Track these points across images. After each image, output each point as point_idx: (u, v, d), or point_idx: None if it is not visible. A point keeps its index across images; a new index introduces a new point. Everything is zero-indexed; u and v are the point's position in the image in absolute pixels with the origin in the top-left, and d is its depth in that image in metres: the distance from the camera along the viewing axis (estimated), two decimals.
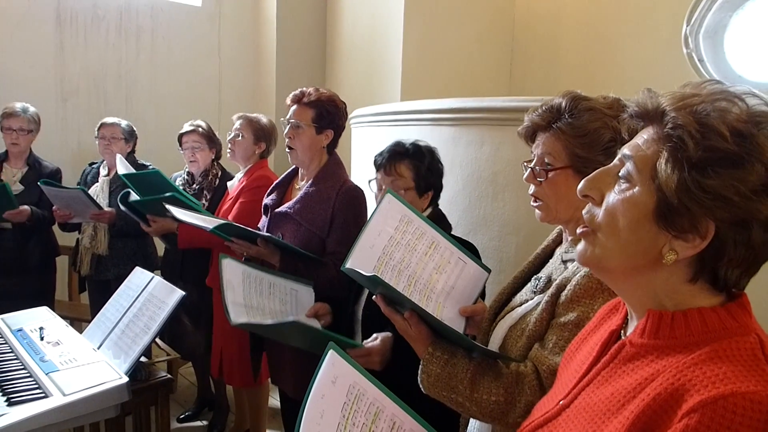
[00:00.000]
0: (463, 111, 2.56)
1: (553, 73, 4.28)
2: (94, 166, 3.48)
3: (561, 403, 0.86)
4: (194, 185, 3.19)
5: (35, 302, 2.78)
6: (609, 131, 1.19)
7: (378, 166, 1.91)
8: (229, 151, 2.99)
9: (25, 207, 3.17)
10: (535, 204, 1.28)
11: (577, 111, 1.21)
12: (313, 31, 4.84)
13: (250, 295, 1.89)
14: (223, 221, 2.21)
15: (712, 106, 0.72)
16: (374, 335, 1.68)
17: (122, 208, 2.72)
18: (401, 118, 2.89)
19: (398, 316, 1.27)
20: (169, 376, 2.11)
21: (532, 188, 1.28)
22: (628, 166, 0.77)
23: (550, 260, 1.34)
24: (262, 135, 2.97)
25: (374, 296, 1.33)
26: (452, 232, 1.80)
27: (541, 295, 1.24)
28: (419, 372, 1.23)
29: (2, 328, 2.31)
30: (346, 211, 2.16)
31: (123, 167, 2.87)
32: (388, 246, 1.37)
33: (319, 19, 4.85)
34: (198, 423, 3.41)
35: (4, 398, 1.76)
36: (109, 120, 3.38)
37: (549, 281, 1.27)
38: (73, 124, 4.19)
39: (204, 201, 3.11)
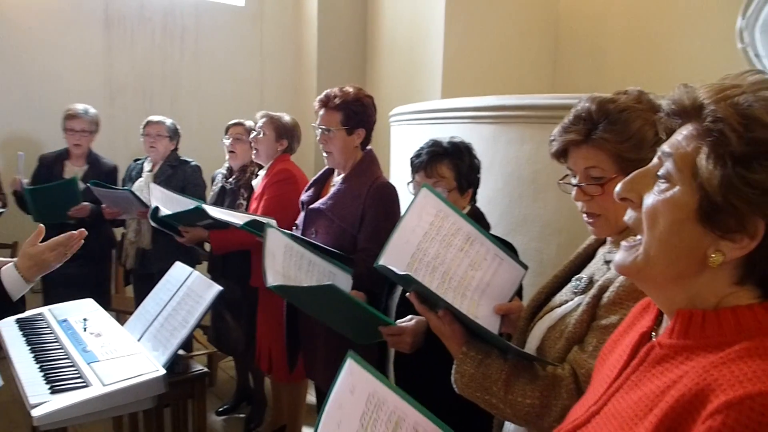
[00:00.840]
0: (503, 108, 2.51)
1: (599, 69, 4.18)
2: (139, 162, 3.56)
3: (591, 409, 0.82)
4: (231, 179, 3.23)
5: (93, 291, 2.95)
6: (650, 126, 1.14)
7: (416, 167, 1.85)
8: (254, 150, 3.02)
9: (86, 204, 3.30)
10: (590, 220, 1.21)
11: (612, 114, 1.16)
12: (354, 29, 4.85)
13: (289, 267, 1.89)
14: (252, 217, 2.23)
15: (755, 97, 0.67)
16: (410, 316, 1.64)
17: (153, 224, 2.78)
18: (440, 116, 2.86)
19: (432, 314, 1.25)
20: (205, 369, 2.13)
21: (581, 205, 1.22)
22: (668, 164, 0.72)
23: (592, 260, 1.30)
24: (284, 132, 2.99)
25: (408, 293, 1.30)
26: (491, 233, 1.76)
27: (582, 296, 1.20)
28: (452, 371, 1.21)
29: (49, 319, 2.38)
30: (376, 208, 2.15)
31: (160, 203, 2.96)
32: (423, 242, 1.34)
33: (359, 17, 4.85)
34: (236, 416, 3.45)
35: (48, 386, 1.81)
36: (154, 118, 3.46)
37: (590, 282, 1.22)
38: (120, 123, 4.30)
39: (242, 200, 3.14)
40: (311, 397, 3.26)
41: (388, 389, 1.10)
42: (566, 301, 1.25)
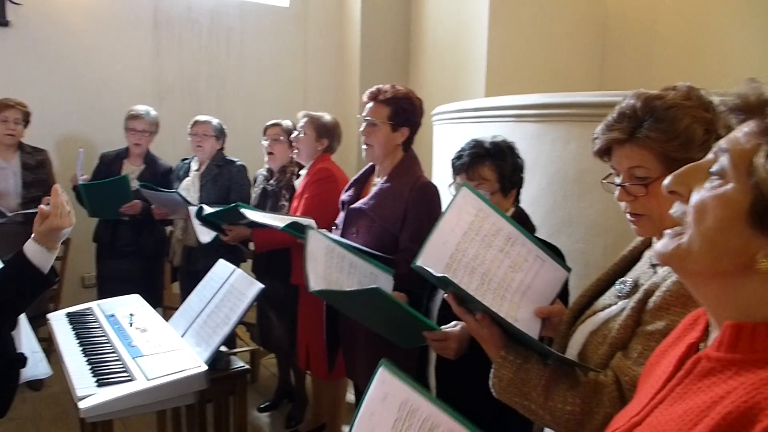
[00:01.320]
0: (548, 107, 2.46)
1: (648, 65, 4.05)
2: (186, 161, 3.64)
3: (633, 419, 0.78)
4: (272, 180, 3.26)
5: (145, 287, 3.07)
6: (700, 124, 1.08)
7: (458, 169, 1.81)
8: (295, 150, 3.04)
9: (137, 201, 3.40)
10: (633, 219, 1.17)
11: (658, 112, 1.10)
12: (397, 29, 4.84)
13: (330, 270, 1.88)
14: (292, 219, 2.24)
15: None
16: (455, 322, 1.60)
17: (198, 222, 2.83)
18: (484, 115, 2.82)
19: (470, 317, 1.22)
20: (247, 366, 2.15)
21: (624, 205, 1.17)
22: (723, 160, 0.68)
23: (638, 263, 1.25)
24: (324, 132, 2.99)
25: (445, 295, 1.28)
26: (536, 235, 1.72)
27: (626, 300, 1.16)
28: (491, 376, 1.18)
29: (97, 313, 2.45)
30: (418, 208, 2.13)
31: (206, 235, 3.05)
32: (462, 242, 1.31)
33: (402, 17, 4.84)
34: (277, 413, 3.48)
35: (95, 379, 1.86)
36: (201, 118, 3.52)
37: (636, 286, 1.18)
38: (168, 123, 4.39)
39: (284, 201, 3.17)
40: (351, 396, 3.27)
41: (422, 396, 1.09)
42: (610, 305, 1.20)
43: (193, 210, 3.09)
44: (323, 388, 3.12)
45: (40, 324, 2.94)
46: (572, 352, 1.24)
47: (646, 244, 1.26)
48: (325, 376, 2.93)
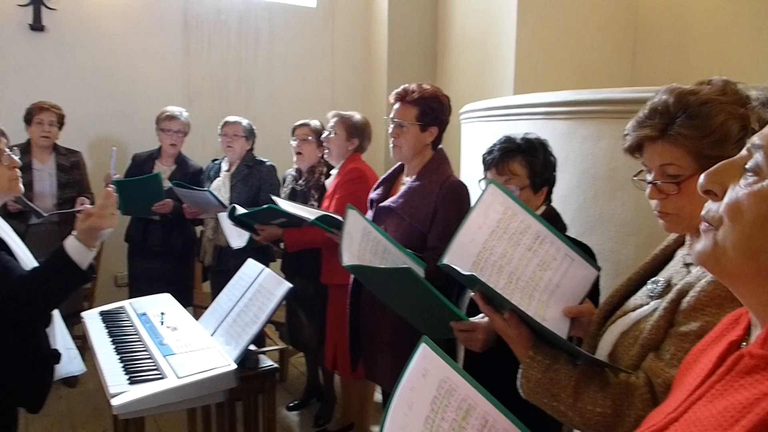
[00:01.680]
0: (578, 104, 2.43)
1: (682, 60, 3.96)
2: (216, 162, 3.68)
3: (670, 416, 0.76)
4: (301, 181, 3.28)
5: (176, 287, 3.09)
6: (735, 121, 1.05)
7: (488, 164, 1.79)
8: (326, 150, 3.04)
9: (169, 200, 3.45)
10: (660, 215, 1.14)
11: (692, 108, 1.07)
12: (424, 27, 4.82)
13: (365, 250, 1.88)
14: (323, 213, 2.25)
15: None
16: (482, 314, 1.58)
17: (231, 222, 2.86)
18: (513, 113, 2.80)
19: (497, 316, 1.21)
20: (275, 365, 2.16)
21: (654, 203, 1.14)
22: (757, 156, 0.66)
23: (670, 263, 1.22)
24: (354, 131, 2.99)
25: (472, 293, 1.27)
26: (565, 233, 1.69)
27: (659, 301, 1.13)
28: (518, 376, 1.17)
29: (129, 312, 2.49)
30: (447, 206, 2.12)
31: (237, 239, 3.10)
32: (489, 240, 1.30)
33: (430, 15, 4.83)
34: (306, 412, 3.50)
35: (127, 377, 1.89)
36: (231, 119, 3.56)
37: (668, 286, 1.15)
38: (198, 124, 4.45)
39: (312, 201, 3.18)
40: (380, 396, 3.27)
41: (461, 377, 1.08)
42: (641, 305, 1.17)
43: (223, 215, 3.13)
44: (351, 387, 3.12)
45: (74, 322, 3.01)
46: (602, 352, 1.22)
47: (679, 243, 1.23)
48: (353, 376, 2.94)
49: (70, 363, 1.91)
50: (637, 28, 4.29)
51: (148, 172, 3.64)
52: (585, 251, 1.41)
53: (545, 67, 3.97)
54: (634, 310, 1.18)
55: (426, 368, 1.11)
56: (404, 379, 1.11)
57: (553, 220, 1.71)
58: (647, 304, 1.16)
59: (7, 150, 1.71)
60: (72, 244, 1.66)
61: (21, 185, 1.77)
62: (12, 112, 3.53)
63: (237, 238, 3.14)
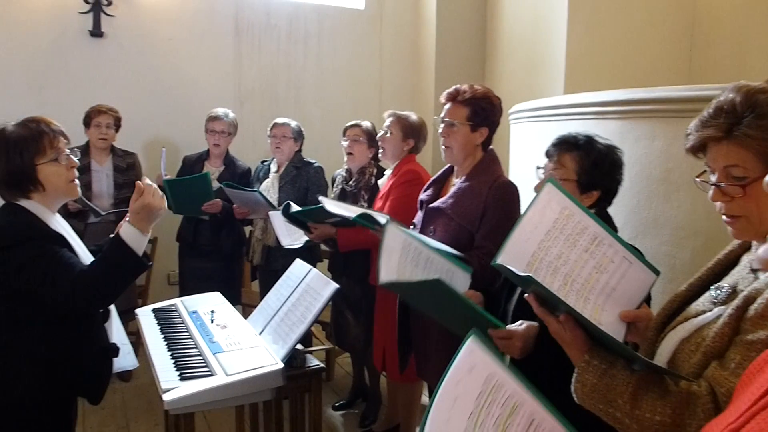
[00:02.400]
0: (632, 103, 2.36)
1: (742, 56, 3.80)
2: (266, 163, 3.74)
3: (730, 426, 0.73)
4: (351, 182, 3.29)
5: (226, 285, 3.14)
6: None
7: (546, 152, 1.82)
8: (380, 150, 3.04)
9: (218, 200, 3.52)
10: (729, 221, 1.09)
11: (761, 107, 1.01)
12: (473, 27, 4.79)
13: (405, 264, 1.87)
14: (364, 210, 2.27)
15: None
16: (520, 321, 1.58)
17: (285, 219, 2.88)
18: (563, 113, 2.74)
19: (552, 318, 1.18)
20: (322, 365, 2.17)
21: (719, 205, 1.10)
22: None
23: (735, 268, 1.16)
24: (410, 132, 2.98)
25: (526, 294, 1.24)
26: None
27: (723, 307, 1.08)
28: (573, 380, 1.13)
29: (181, 310, 2.55)
30: (497, 206, 2.10)
31: (287, 238, 3.15)
32: (545, 240, 1.27)
33: (478, 15, 4.79)
34: (352, 412, 3.51)
35: (178, 373, 1.93)
36: (280, 120, 3.61)
37: (733, 292, 1.10)
38: (248, 126, 4.54)
39: (362, 202, 3.19)
40: (426, 398, 3.25)
41: (508, 374, 1.06)
42: (703, 312, 1.13)
43: (274, 213, 3.17)
44: (398, 389, 3.11)
45: (129, 318, 3.11)
46: (661, 359, 1.17)
47: (744, 248, 1.18)
48: (401, 378, 2.93)
49: (124, 358, 1.97)
50: (695, 22, 4.14)
51: (197, 172, 3.72)
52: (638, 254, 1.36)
53: (597, 66, 3.88)
54: (696, 316, 1.13)
55: (473, 363, 1.09)
56: (450, 373, 1.09)
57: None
58: (710, 310, 1.11)
59: (66, 150, 1.77)
60: (127, 230, 1.71)
61: (78, 189, 1.83)
62: (72, 115, 3.66)
63: (287, 236, 3.16)
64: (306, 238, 3.03)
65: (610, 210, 1.85)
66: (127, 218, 1.74)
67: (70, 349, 1.77)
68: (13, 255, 1.65)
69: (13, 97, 4.03)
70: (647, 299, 1.36)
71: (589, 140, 1.75)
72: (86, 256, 1.87)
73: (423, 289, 1.64)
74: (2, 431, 1.75)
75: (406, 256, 1.88)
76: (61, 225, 1.84)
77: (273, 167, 3.63)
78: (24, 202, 1.74)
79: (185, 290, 3.62)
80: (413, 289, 1.70)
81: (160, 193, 1.76)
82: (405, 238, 1.91)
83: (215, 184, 3.62)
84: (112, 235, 1.77)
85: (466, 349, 1.11)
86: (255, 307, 2.50)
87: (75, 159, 1.81)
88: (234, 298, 3.47)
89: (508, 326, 1.57)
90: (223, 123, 3.73)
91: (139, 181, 1.73)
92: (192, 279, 3.72)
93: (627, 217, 2.29)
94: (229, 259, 3.83)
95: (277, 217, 3.20)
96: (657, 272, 1.33)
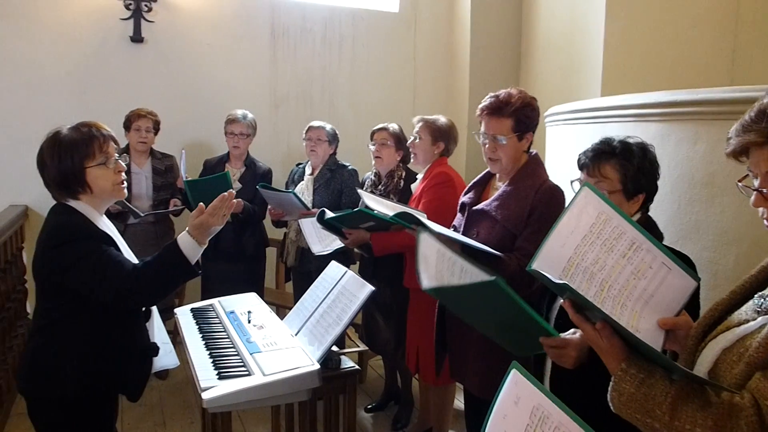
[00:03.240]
0: (673, 105, 2.31)
1: None
2: (300, 166, 3.77)
3: None
4: (380, 186, 3.29)
5: (248, 287, 3.15)
6: None
7: (581, 165, 1.75)
8: (412, 155, 3.05)
9: (239, 199, 3.53)
10: None
11: None
12: (508, 29, 4.76)
13: (442, 272, 1.87)
14: (404, 208, 2.27)
15: None
16: (573, 329, 1.53)
17: (320, 226, 2.91)
18: (601, 115, 2.71)
19: (588, 325, 1.16)
20: (357, 367, 2.19)
21: (762, 211, 1.07)
22: None
23: None
24: (439, 135, 2.98)
25: (563, 301, 1.23)
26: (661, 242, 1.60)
27: (767, 316, 1.05)
28: (609, 389, 1.12)
29: (218, 310, 2.59)
30: (542, 210, 2.08)
31: (318, 245, 3.17)
32: (581, 246, 1.25)
33: (513, 17, 4.75)
34: (383, 415, 3.52)
35: (216, 372, 1.97)
36: (315, 123, 3.64)
37: None
38: (283, 128, 4.60)
39: None
40: (459, 402, 3.23)
41: (554, 404, 1.05)
42: (746, 321, 1.10)
43: (308, 220, 3.19)
44: (431, 392, 3.11)
45: (167, 317, 3.17)
46: (701, 369, 1.15)
47: None
48: (434, 381, 2.92)
49: (165, 356, 2.02)
50: (739, 22, 4.03)
51: None
52: (684, 262, 1.33)
53: (635, 67, 3.81)
54: (738, 325, 1.10)
55: (518, 395, 1.08)
56: (497, 406, 1.08)
57: (648, 229, 1.62)
58: (754, 319, 1.08)
59: (116, 155, 1.83)
60: (184, 239, 1.79)
61: (125, 192, 1.89)
62: (113, 118, 3.74)
63: (318, 243, 3.19)
64: (338, 244, 3.04)
65: (651, 214, 1.81)
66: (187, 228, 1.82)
67: (113, 347, 1.82)
68: (64, 253, 1.72)
69: (58, 101, 4.16)
70: (695, 307, 1.33)
71: (625, 145, 1.70)
72: (131, 257, 1.92)
73: (475, 291, 1.60)
74: (46, 426, 1.81)
75: (442, 264, 1.88)
76: (107, 226, 1.90)
77: (308, 170, 3.66)
78: (73, 203, 1.80)
79: (207, 293, 3.64)
80: (463, 292, 1.66)
81: (225, 212, 1.85)
82: (439, 248, 1.91)
83: (236, 185, 3.65)
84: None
85: (510, 380, 1.10)
86: (290, 308, 2.52)
87: (123, 164, 1.87)
88: None
89: (562, 334, 1.52)
90: (241, 125, 3.76)
91: (202, 203, 1.84)
92: (214, 281, 3.72)
93: (667, 221, 2.25)
94: (252, 261, 3.86)
95: (307, 224, 3.23)
96: (698, 279, 1.30)
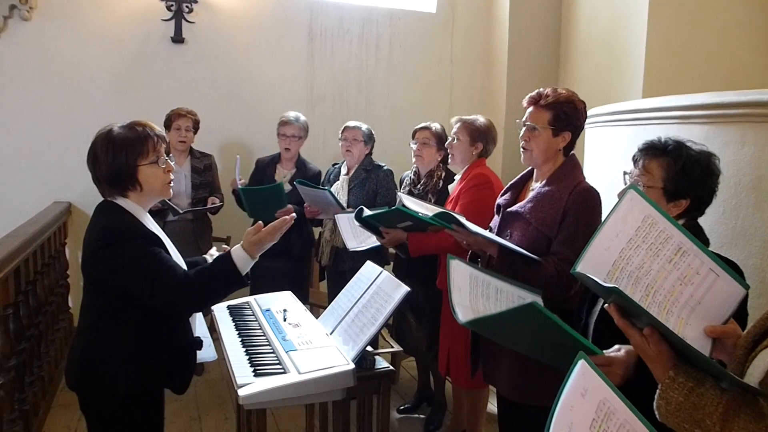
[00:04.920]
0: (719, 107, 2.25)
1: None
2: (336, 166, 3.79)
3: None
4: (419, 185, 3.28)
5: (294, 285, 3.19)
6: None
7: (633, 157, 1.75)
8: (450, 156, 3.03)
9: (290, 206, 3.57)
10: None
11: None
12: (547, 29, 4.70)
13: (476, 298, 1.85)
14: (442, 210, 2.27)
15: None
16: (617, 346, 1.47)
17: (358, 224, 2.91)
18: (643, 117, 2.65)
19: (635, 331, 1.13)
20: (391, 367, 2.18)
21: None
22: None
23: None
24: (478, 135, 2.95)
25: (606, 305, 1.20)
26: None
27: None
28: (656, 397, 1.09)
29: (254, 307, 2.62)
30: (576, 212, 2.04)
31: (353, 241, 3.20)
32: (627, 249, 1.22)
33: (552, 17, 4.70)
34: (416, 416, 3.51)
35: (252, 369, 1.99)
36: (351, 123, 3.65)
37: None
38: (319, 128, 4.63)
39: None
40: (492, 406, 3.20)
41: (620, 399, 1.02)
42: None
43: (344, 215, 3.20)
44: (464, 395, 3.09)
45: (204, 313, 3.21)
46: (751, 380, 1.10)
47: None
48: (465, 384, 2.90)
49: (205, 350, 2.04)
50: None
51: (270, 176, 3.81)
52: (732, 268, 1.29)
53: (678, 68, 3.72)
54: None
55: (585, 387, 1.06)
56: (563, 396, 1.06)
57: (694, 234, 1.57)
58: None
59: (164, 155, 1.87)
60: (238, 254, 1.85)
61: (171, 191, 1.93)
62: (153, 117, 3.77)
63: (353, 239, 3.19)
64: (372, 242, 3.04)
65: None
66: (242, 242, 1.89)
67: (160, 343, 1.85)
68: (115, 253, 1.75)
69: (101, 100, 4.27)
70: (743, 316, 1.29)
71: (678, 146, 1.66)
72: (177, 257, 1.95)
73: (512, 317, 1.55)
74: (99, 420, 1.85)
75: (476, 290, 1.86)
76: (154, 225, 1.93)
77: (343, 170, 3.67)
78: (120, 201, 1.83)
79: (254, 289, 3.68)
80: (501, 320, 1.62)
81: (282, 232, 1.95)
82: (471, 272, 1.89)
83: (288, 187, 3.69)
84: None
85: (578, 371, 1.08)
86: (323, 307, 2.53)
87: (172, 163, 1.90)
88: (302, 298, 3.52)
89: (605, 352, 1.46)
90: (294, 127, 3.79)
91: (260, 222, 1.94)
92: (261, 278, 3.77)
93: (712, 227, 2.19)
94: (298, 260, 3.90)
95: (343, 220, 3.23)
96: (747, 286, 1.26)
